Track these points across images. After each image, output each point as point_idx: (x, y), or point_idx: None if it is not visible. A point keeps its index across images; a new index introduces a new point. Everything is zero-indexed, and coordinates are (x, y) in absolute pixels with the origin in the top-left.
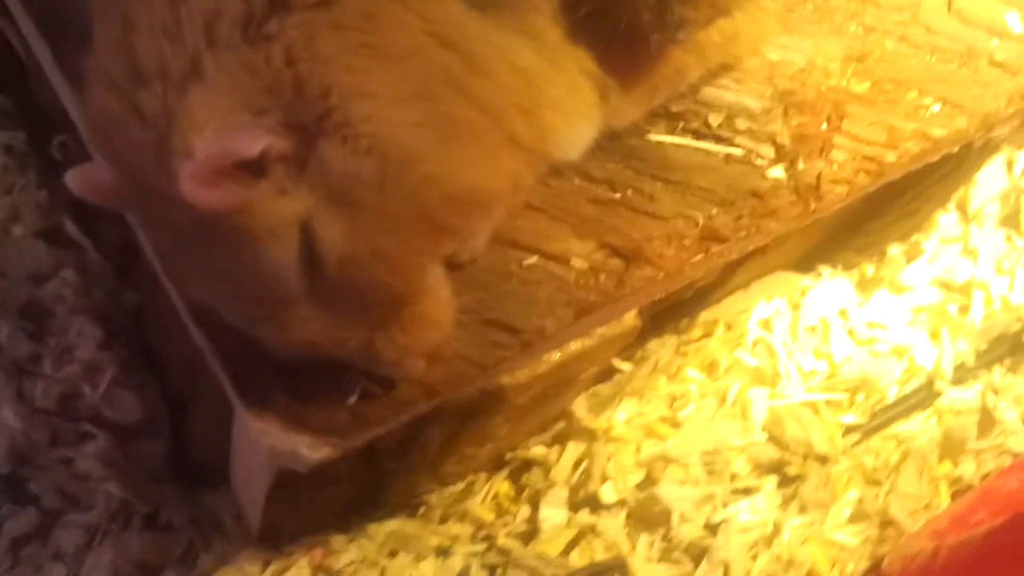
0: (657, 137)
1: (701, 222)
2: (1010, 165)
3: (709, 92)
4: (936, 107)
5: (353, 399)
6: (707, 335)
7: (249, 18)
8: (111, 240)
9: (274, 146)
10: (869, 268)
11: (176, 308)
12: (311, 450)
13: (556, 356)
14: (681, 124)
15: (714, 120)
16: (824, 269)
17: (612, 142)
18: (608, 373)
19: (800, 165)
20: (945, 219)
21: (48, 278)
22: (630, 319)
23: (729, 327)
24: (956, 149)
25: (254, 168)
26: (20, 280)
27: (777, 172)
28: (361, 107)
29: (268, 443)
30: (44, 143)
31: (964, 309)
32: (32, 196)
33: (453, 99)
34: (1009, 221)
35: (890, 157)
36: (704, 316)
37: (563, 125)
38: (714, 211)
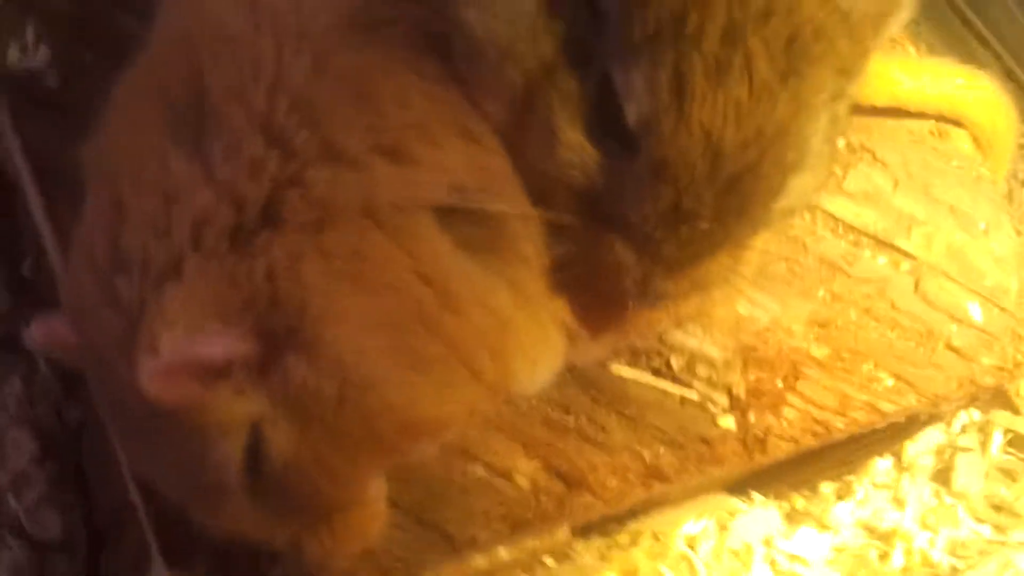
0: (618, 371)
1: (648, 460)
2: (948, 421)
3: (675, 335)
4: (889, 382)
5: None
6: (633, 544)
7: (238, 229)
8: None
9: (238, 352)
10: (799, 501)
11: (116, 451)
12: None
13: (483, 562)
14: (644, 360)
15: (676, 362)
16: (756, 495)
17: (573, 369)
18: (530, 566)
19: (751, 418)
20: (880, 464)
21: None
22: (562, 533)
23: (656, 539)
24: (903, 420)
25: (216, 369)
26: None
27: (728, 422)
28: (332, 331)
29: None
30: (17, 257)
31: (884, 556)
32: None
33: (423, 333)
34: (940, 477)
35: (838, 423)
36: (632, 525)
37: (527, 368)
38: (662, 450)
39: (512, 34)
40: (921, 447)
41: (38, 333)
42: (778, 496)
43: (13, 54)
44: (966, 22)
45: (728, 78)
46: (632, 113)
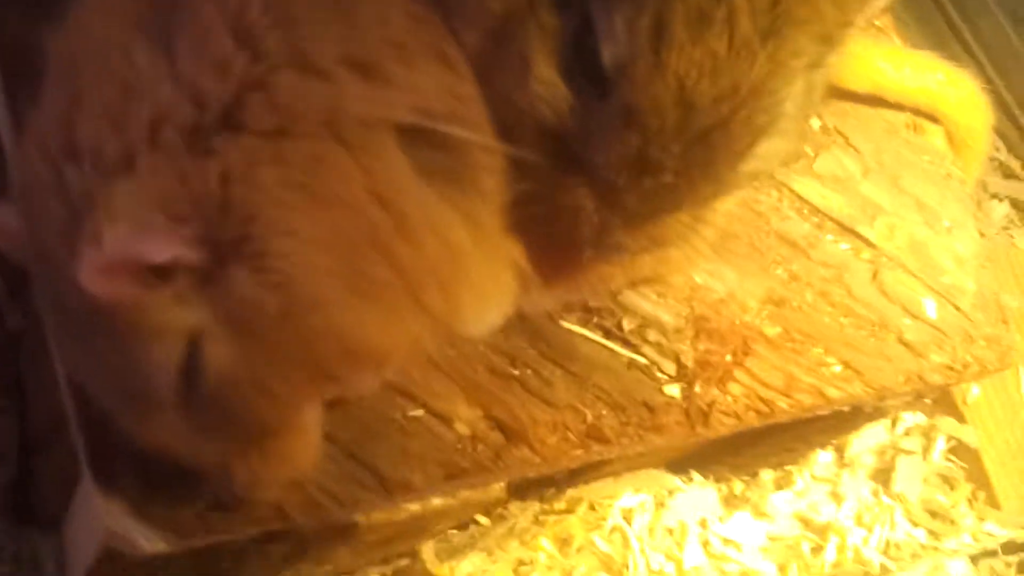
0: (568, 325)
1: (589, 419)
2: (893, 422)
3: (629, 296)
4: (837, 368)
5: (201, 505)
6: (569, 511)
7: (197, 128)
8: (9, 260)
9: (184, 257)
10: (738, 485)
11: (54, 358)
12: (148, 542)
13: (415, 507)
14: (595, 319)
15: (627, 324)
16: (695, 475)
17: (523, 319)
18: (464, 523)
19: (697, 388)
20: (821, 457)
21: None
22: (497, 489)
23: (592, 508)
24: (847, 409)
25: (158, 271)
26: None
27: (673, 390)
28: (281, 243)
29: (107, 522)
30: None
31: (817, 550)
32: None
33: (374, 257)
34: (880, 476)
35: (782, 404)
36: (571, 492)
37: (476, 306)
38: (604, 412)
39: None
40: (863, 445)
41: None
42: (718, 478)
43: None
44: (953, 27)
45: (709, 31)
46: (608, 55)
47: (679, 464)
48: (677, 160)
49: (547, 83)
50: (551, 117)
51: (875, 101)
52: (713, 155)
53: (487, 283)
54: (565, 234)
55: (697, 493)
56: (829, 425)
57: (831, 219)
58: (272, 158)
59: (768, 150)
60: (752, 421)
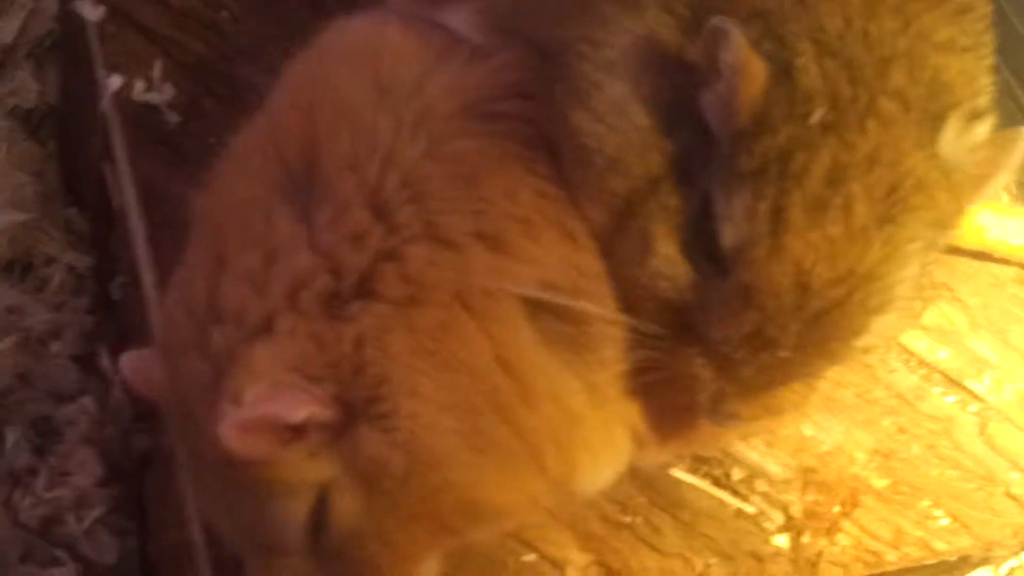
0: (678, 474)
1: (698, 568)
2: (998, 564)
3: (738, 447)
4: (945, 521)
5: None
6: None
7: (334, 296)
8: None
9: (318, 415)
10: None
11: (183, 484)
12: None
13: None
14: (704, 469)
15: (736, 475)
16: None
17: (635, 468)
18: None
19: (804, 539)
20: None
21: (69, 400)
22: None
23: None
24: (954, 559)
25: (293, 428)
26: (42, 395)
27: (781, 540)
28: (409, 404)
29: None
30: (106, 277)
31: None
32: (78, 319)
33: (495, 420)
34: None
35: (890, 556)
36: None
37: (590, 466)
38: (713, 560)
39: (622, 145)
40: None
41: (127, 367)
42: None
43: (139, 87)
44: None
45: (826, 217)
46: (728, 236)
47: None
48: (793, 338)
49: (668, 260)
50: (671, 292)
51: (982, 256)
52: (828, 333)
53: (603, 446)
54: (682, 401)
55: None
56: (937, 571)
57: (938, 372)
58: (403, 325)
59: (882, 326)
60: (860, 572)
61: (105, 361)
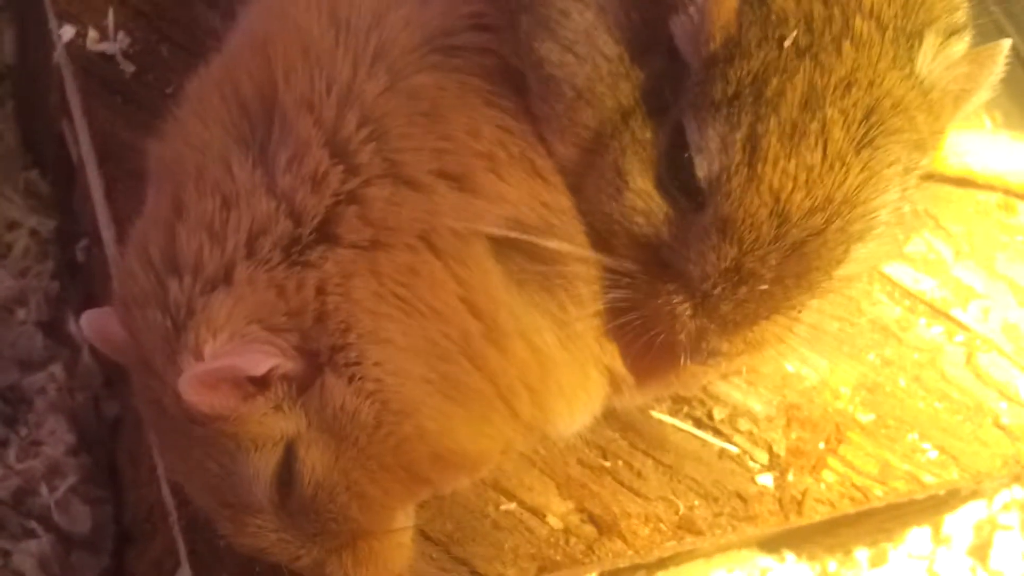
0: (658, 415)
1: (681, 511)
2: (991, 497)
3: (720, 386)
4: (933, 454)
5: None
6: None
7: (294, 241)
8: None
9: (281, 367)
10: (831, 563)
11: (152, 451)
12: None
13: None
14: (685, 409)
15: (718, 414)
16: (788, 554)
17: (613, 411)
18: None
19: (790, 477)
20: (917, 534)
21: (37, 368)
22: None
23: None
24: (943, 492)
25: (256, 381)
26: (9, 363)
27: (766, 479)
28: (375, 351)
29: None
30: (70, 240)
31: None
32: (44, 285)
33: (465, 364)
34: (977, 552)
35: (877, 491)
36: (662, 573)
37: (565, 409)
38: (696, 502)
39: (591, 75)
40: (960, 521)
41: (88, 326)
42: (811, 557)
43: (92, 36)
44: None
45: (803, 144)
46: (703, 168)
47: (771, 543)
48: (772, 270)
49: (642, 195)
50: (646, 228)
51: (965, 183)
52: (808, 264)
53: (576, 388)
54: (661, 340)
55: (790, 572)
56: (925, 506)
57: (923, 302)
58: (367, 269)
59: (863, 254)
60: (846, 508)
61: (73, 327)
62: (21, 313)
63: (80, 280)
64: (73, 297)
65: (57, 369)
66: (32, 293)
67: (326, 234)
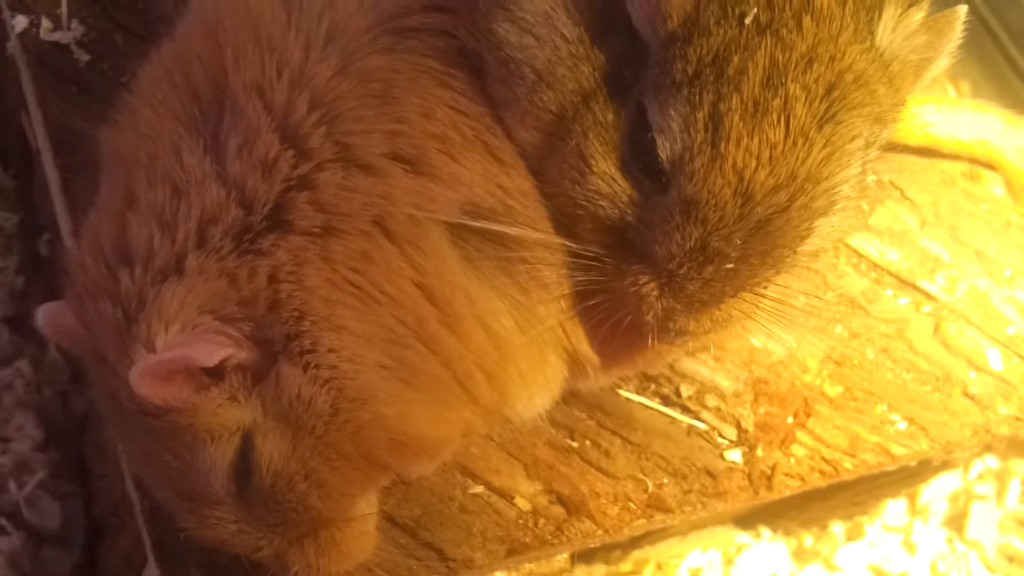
0: (626, 394)
1: (650, 489)
2: (966, 467)
3: (686, 363)
4: (902, 425)
5: None
6: (636, 572)
7: (246, 229)
8: None
9: (234, 357)
10: (808, 538)
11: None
12: None
13: None
14: (652, 387)
15: (685, 391)
16: (764, 530)
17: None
18: None
19: (759, 452)
20: (892, 506)
21: (3, 364)
22: (560, 560)
23: (659, 568)
24: (914, 463)
25: (210, 372)
26: None
27: (735, 455)
28: (330, 338)
29: None
30: (34, 234)
31: None
32: (8, 280)
33: (421, 350)
34: (953, 523)
35: (847, 464)
36: (636, 553)
37: (523, 394)
38: (665, 480)
39: (551, 57)
40: (935, 492)
41: (44, 319)
42: (787, 532)
43: (46, 25)
44: (1011, 61)
45: (765, 121)
46: (665, 149)
47: (746, 519)
48: (738, 248)
49: (605, 178)
50: (611, 210)
51: (930, 152)
52: (773, 241)
53: (535, 371)
54: (629, 321)
55: (766, 548)
56: (898, 478)
57: (889, 274)
58: (320, 256)
59: (826, 228)
60: (817, 482)
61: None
62: None
63: (44, 275)
64: (38, 291)
65: (24, 364)
66: None
67: (278, 221)
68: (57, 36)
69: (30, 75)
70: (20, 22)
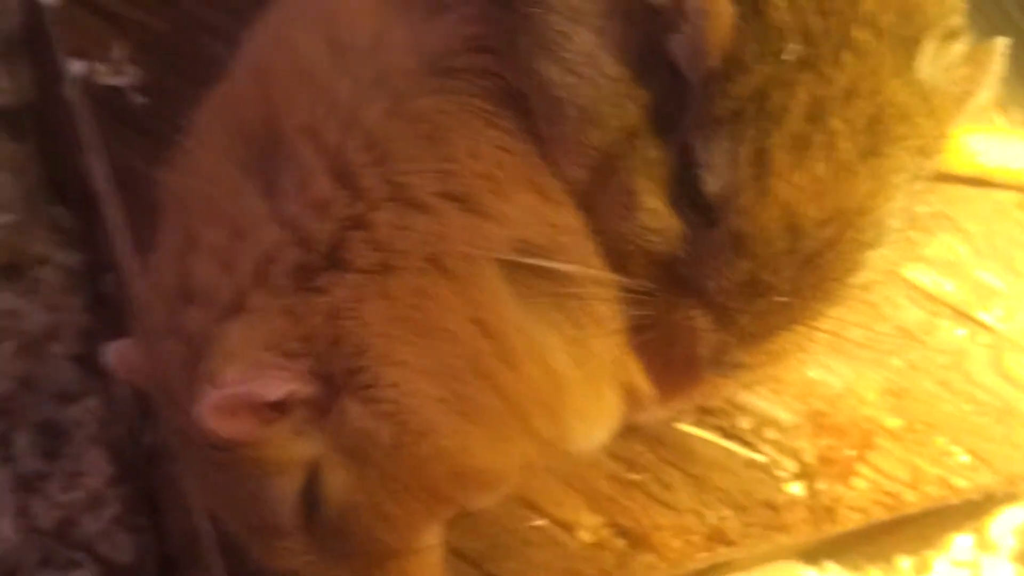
0: (684, 427)
1: (712, 522)
2: None
3: (743, 396)
4: (964, 457)
5: None
6: None
7: (303, 268)
8: None
9: (298, 392)
10: (874, 573)
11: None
12: None
13: None
14: (711, 420)
15: (744, 424)
16: (829, 564)
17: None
18: None
19: (820, 485)
20: (960, 541)
21: (73, 401)
22: None
23: None
24: (978, 497)
25: (275, 406)
26: (46, 397)
27: (796, 488)
28: (390, 373)
29: None
30: (99, 273)
31: None
32: (76, 318)
33: (479, 384)
34: (1023, 558)
35: (910, 496)
36: None
37: (580, 426)
38: (726, 513)
39: (595, 96)
40: (1004, 526)
41: (113, 357)
42: (853, 567)
43: (101, 70)
44: None
45: (809, 156)
46: (712, 185)
47: (811, 554)
48: (788, 282)
49: (655, 214)
50: (661, 246)
51: (981, 183)
52: (823, 274)
53: (591, 405)
54: (683, 355)
55: None
56: (963, 511)
57: (945, 305)
58: (377, 293)
59: (878, 261)
60: (880, 515)
61: (103, 360)
62: (55, 347)
63: (110, 312)
64: (105, 330)
65: (93, 401)
66: (64, 327)
67: (335, 259)
68: (113, 80)
69: (89, 119)
70: (77, 67)
